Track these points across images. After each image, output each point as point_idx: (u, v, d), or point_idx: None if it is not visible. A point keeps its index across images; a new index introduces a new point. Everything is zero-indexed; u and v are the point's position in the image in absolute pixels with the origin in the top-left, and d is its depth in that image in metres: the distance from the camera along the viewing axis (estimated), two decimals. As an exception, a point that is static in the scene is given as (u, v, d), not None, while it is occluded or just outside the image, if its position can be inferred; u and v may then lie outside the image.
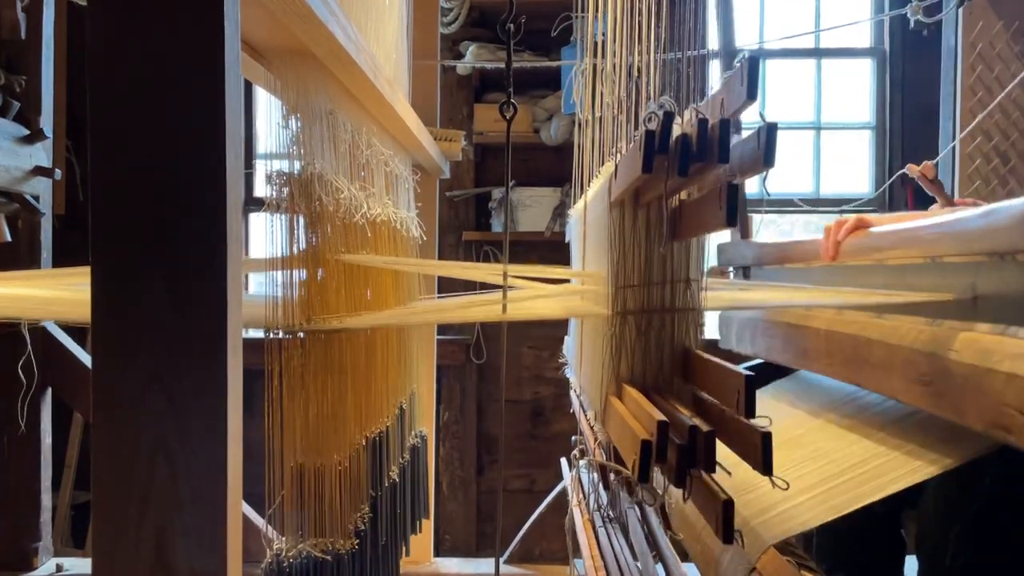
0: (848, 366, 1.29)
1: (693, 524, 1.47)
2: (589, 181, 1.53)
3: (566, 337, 2.15)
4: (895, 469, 1.14)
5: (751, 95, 0.72)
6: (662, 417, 0.77)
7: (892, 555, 1.59)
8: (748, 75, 0.72)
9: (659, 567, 1.37)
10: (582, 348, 1.46)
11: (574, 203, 1.88)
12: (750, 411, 0.76)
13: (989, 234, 0.97)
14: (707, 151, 0.77)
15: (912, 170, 2.01)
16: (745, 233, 2.31)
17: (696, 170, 0.80)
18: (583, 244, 1.49)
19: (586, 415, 1.36)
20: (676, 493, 0.85)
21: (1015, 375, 0.85)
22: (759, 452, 0.76)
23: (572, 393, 1.78)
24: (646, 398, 0.91)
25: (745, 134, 0.79)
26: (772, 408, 1.70)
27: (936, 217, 1.14)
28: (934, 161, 1.98)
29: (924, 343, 1.05)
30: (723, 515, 0.74)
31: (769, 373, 1.87)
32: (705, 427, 0.78)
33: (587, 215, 1.41)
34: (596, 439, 1.19)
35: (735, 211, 0.72)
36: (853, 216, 1.42)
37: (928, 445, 1.14)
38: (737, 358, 2.02)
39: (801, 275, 1.74)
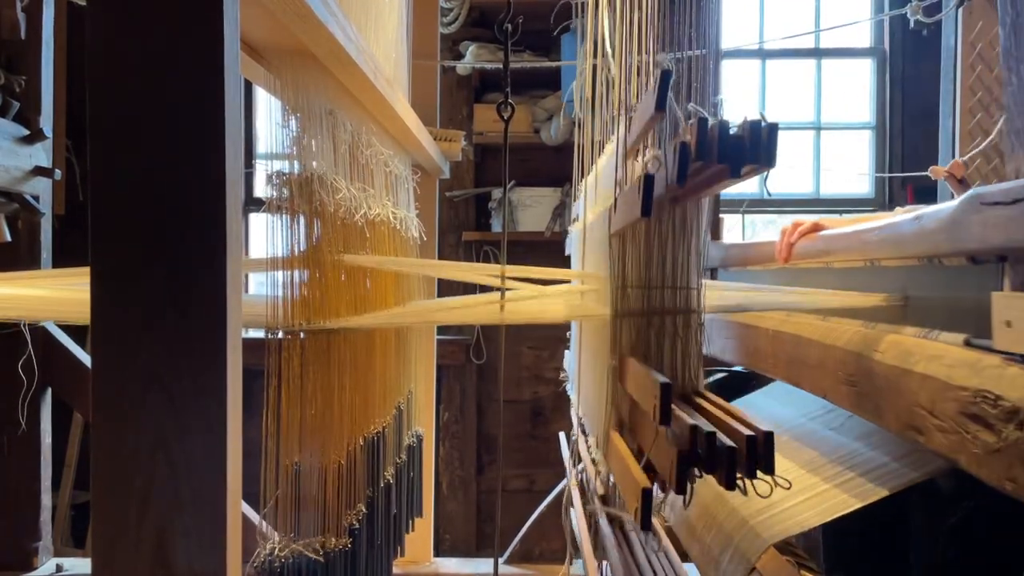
0: (789, 366, 1.30)
1: (693, 525, 1.48)
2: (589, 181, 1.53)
3: (566, 351, 2.15)
4: (881, 477, 1.15)
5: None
6: (647, 484, 0.79)
7: (894, 553, 1.59)
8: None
9: (659, 567, 1.37)
10: (581, 371, 1.47)
11: (574, 200, 1.89)
12: (665, 419, 0.78)
13: (919, 239, 0.97)
14: (706, 148, 0.78)
15: (937, 172, 1.99)
16: (716, 234, 2.31)
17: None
18: (582, 262, 1.50)
19: (586, 439, 1.36)
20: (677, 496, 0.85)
21: (928, 376, 0.86)
22: (763, 452, 0.76)
23: (572, 412, 1.78)
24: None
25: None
26: (769, 407, 1.71)
27: (876, 221, 1.14)
28: (963, 159, 1.97)
29: (855, 344, 1.06)
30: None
31: (742, 383, 1.88)
32: (709, 428, 0.78)
33: (587, 235, 1.42)
34: (598, 472, 1.21)
35: (650, 202, 0.79)
36: (810, 219, 1.43)
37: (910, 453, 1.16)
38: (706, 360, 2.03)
39: (759, 277, 1.75)
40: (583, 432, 1.50)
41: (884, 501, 1.13)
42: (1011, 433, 0.70)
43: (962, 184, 1.97)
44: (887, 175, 3.53)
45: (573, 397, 1.75)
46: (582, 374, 1.49)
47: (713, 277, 2.06)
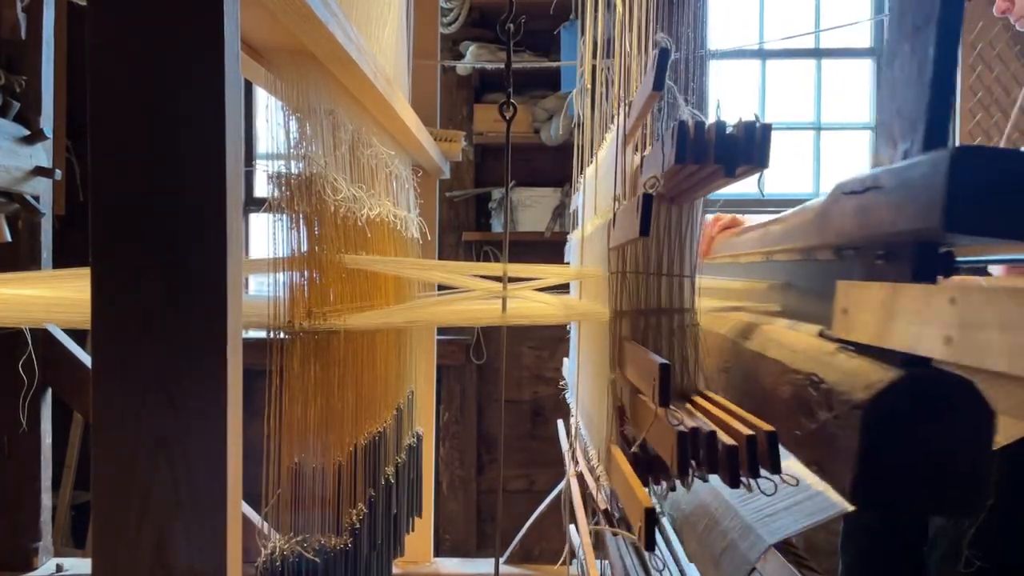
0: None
1: (694, 525, 1.48)
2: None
3: (565, 359, 2.14)
4: None
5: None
6: (649, 504, 0.79)
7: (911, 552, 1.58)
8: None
9: (659, 566, 1.37)
10: (580, 383, 1.47)
11: (573, 193, 1.89)
12: (664, 400, 0.78)
13: (797, 232, 0.96)
14: (702, 148, 0.78)
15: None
16: None
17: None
18: (581, 256, 1.50)
19: (587, 454, 1.37)
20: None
21: (777, 361, 0.86)
22: (765, 450, 0.76)
23: (572, 419, 1.78)
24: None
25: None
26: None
27: (781, 215, 1.14)
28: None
29: (736, 333, 1.07)
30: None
31: None
32: (710, 427, 0.78)
33: (585, 245, 1.42)
34: (600, 488, 1.21)
35: (648, 222, 0.79)
36: (729, 215, 1.43)
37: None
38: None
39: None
40: (582, 438, 1.50)
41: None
42: (824, 416, 0.71)
43: None
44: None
45: (572, 405, 1.75)
46: (581, 384, 1.49)
47: None
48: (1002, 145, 2.22)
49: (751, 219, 1.41)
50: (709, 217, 1.46)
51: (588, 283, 1.39)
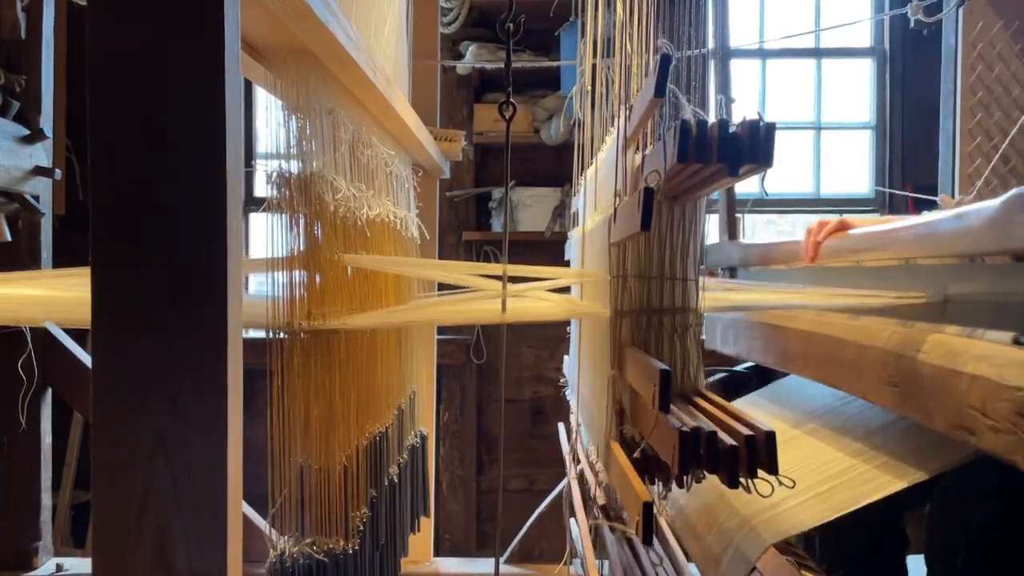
0: (822, 367, 1.30)
1: (694, 524, 1.48)
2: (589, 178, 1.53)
3: (565, 357, 2.15)
4: (883, 475, 1.15)
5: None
6: (647, 498, 0.79)
7: (895, 553, 1.59)
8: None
9: (659, 566, 1.37)
10: (581, 378, 1.47)
11: (573, 194, 1.89)
12: (664, 405, 0.78)
13: (960, 237, 0.97)
14: (705, 147, 0.78)
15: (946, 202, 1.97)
16: (733, 234, 2.31)
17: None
18: (582, 267, 1.50)
19: (586, 450, 1.36)
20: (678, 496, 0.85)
21: (978, 376, 0.85)
22: (764, 451, 0.76)
23: (571, 417, 1.78)
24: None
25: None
26: (768, 409, 1.71)
27: (910, 219, 1.14)
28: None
29: (894, 344, 1.06)
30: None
31: (771, 373, 1.87)
32: (711, 427, 0.78)
33: (586, 241, 1.42)
34: (600, 483, 1.21)
35: (649, 217, 0.79)
36: (836, 218, 1.43)
37: (913, 452, 1.15)
38: (723, 358, 2.03)
39: (783, 276, 1.75)
40: (581, 439, 1.50)
41: (885, 499, 1.13)
42: None
43: None
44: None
45: (572, 403, 1.75)
46: (581, 381, 1.49)
47: (732, 276, 2.07)
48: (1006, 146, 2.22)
49: (858, 223, 1.40)
50: (814, 221, 1.46)
51: (589, 281, 1.39)
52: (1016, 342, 0.86)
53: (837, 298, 1.25)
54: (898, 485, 1.11)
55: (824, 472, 1.26)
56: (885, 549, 1.57)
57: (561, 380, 2.13)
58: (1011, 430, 0.79)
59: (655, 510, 0.79)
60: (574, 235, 1.89)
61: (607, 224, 1.11)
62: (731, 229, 2.31)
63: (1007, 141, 2.10)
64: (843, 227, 1.38)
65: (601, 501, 1.31)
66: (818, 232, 1.41)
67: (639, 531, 0.78)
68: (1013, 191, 0.84)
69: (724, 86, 2.19)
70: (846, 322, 1.24)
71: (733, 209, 2.32)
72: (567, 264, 2.07)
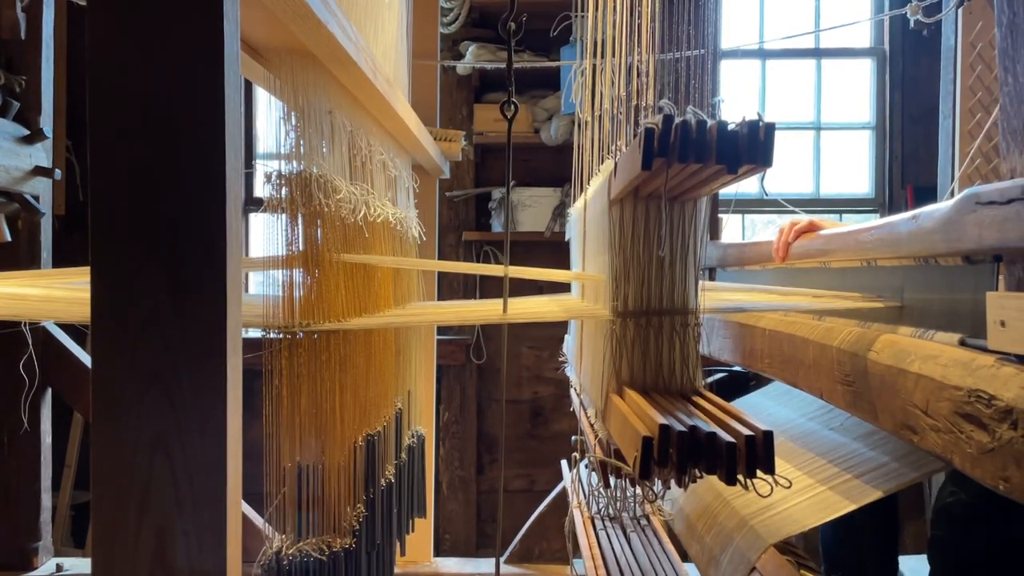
0: (786, 366, 1.30)
1: (693, 524, 1.48)
2: (589, 181, 1.53)
3: (566, 336, 2.15)
4: (878, 477, 1.15)
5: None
6: (663, 420, 0.77)
7: (886, 548, 1.59)
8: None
9: (659, 567, 1.37)
10: (582, 347, 1.46)
11: (574, 202, 1.88)
12: (645, 472, 0.77)
13: (915, 238, 0.96)
14: (704, 147, 0.77)
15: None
16: (714, 234, 2.31)
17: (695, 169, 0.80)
18: (583, 243, 1.49)
19: (586, 413, 1.36)
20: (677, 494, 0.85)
21: (923, 375, 0.85)
22: (762, 450, 0.76)
23: (572, 391, 1.78)
24: (646, 399, 0.91)
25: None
26: (769, 409, 1.71)
27: (873, 221, 1.14)
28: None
29: (850, 344, 1.06)
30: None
31: (756, 376, 1.88)
32: (710, 426, 0.78)
33: (587, 213, 1.42)
34: (596, 436, 1.20)
35: (651, 156, 0.76)
36: (806, 218, 1.43)
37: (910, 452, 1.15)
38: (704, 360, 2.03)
39: (757, 276, 1.75)
40: (583, 407, 1.49)
41: (884, 500, 1.13)
42: (1005, 433, 0.70)
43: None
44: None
45: (573, 377, 1.74)
46: (583, 349, 1.48)
47: (711, 277, 2.07)
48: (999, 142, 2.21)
49: (828, 224, 1.40)
50: (786, 222, 1.46)
51: (590, 262, 1.38)
52: (963, 343, 0.86)
53: (801, 299, 1.25)
54: (889, 489, 1.11)
55: (820, 474, 1.27)
56: (878, 535, 1.57)
57: (561, 358, 2.13)
58: (950, 429, 0.80)
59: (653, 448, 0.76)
60: (574, 211, 1.87)
61: (607, 182, 1.09)
62: (712, 229, 2.31)
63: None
64: (812, 228, 1.39)
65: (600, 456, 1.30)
66: (788, 232, 1.42)
67: (637, 467, 0.77)
68: (965, 191, 0.83)
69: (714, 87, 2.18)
70: (810, 322, 1.25)
71: (715, 209, 2.32)
72: (567, 261, 2.06)
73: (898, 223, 1.01)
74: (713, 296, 1.46)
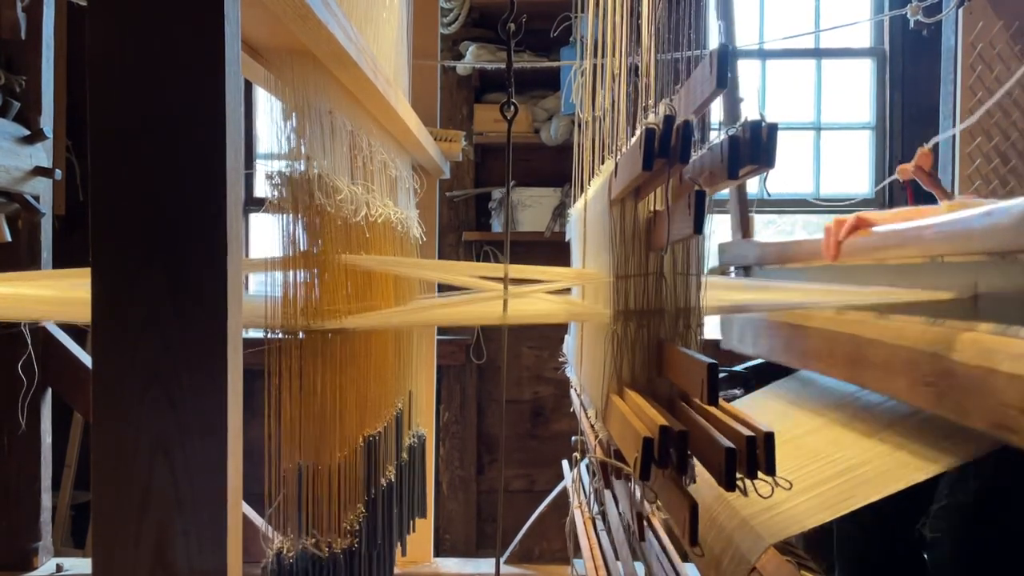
0: (849, 366, 1.29)
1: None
2: (589, 181, 1.53)
3: (566, 336, 2.15)
4: (897, 469, 1.14)
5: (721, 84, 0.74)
6: (664, 421, 0.77)
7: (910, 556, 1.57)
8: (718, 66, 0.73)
9: (660, 567, 1.37)
10: (583, 347, 1.46)
11: (574, 202, 1.88)
12: (713, 398, 0.77)
13: (990, 234, 0.97)
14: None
15: (904, 172, 1.96)
16: (746, 232, 2.31)
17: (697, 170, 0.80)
18: (583, 243, 1.49)
19: (587, 413, 1.36)
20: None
21: (1016, 375, 0.85)
22: (762, 452, 0.76)
23: (572, 392, 1.78)
24: (647, 400, 0.91)
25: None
26: (770, 408, 1.70)
27: (936, 217, 1.14)
28: (928, 146, 1.95)
29: (927, 343, 1.05)
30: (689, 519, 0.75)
31: (769, 373, 1.87)
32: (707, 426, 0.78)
33: (587, 213, 1.41)
34: (597, 437, 1.20)
35: (703, 219, 0.75)
36: (853, 215, 1.41)
37: (930, 444, 1.14)
38: (739, 358, 2.03)
39: (802, 275, 1.74)
40: (583, 407, 1.49)
41: (888, 498, 1.12)
42: None
43: (931, 177, 1.94)
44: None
45: (573, 378, 1.74)
46: (584, 349, 1.48)
47: (747, 275, 2.06)
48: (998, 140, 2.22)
49: (876, 217, 1.39)
50: (831, 220, 1.45)
51: (590, 262, 1.38)
52: None
53: (865, 296, 1.24)
54: (902, 484, 1.10)
55: (827, 471, 1.26)
56: (899, 552, 1.55)
57: (561, 358, 2.13)
58: None
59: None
60: (574, 212, 1.87)
61: (607, 184, 1.09)
62: (744, 228, 2.30)
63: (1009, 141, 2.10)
64: (861, 224, 1.37)
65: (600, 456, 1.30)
66: (838, 230, 1.41)
67: (637, 468, 0.77)
68: None
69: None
70: (871, 321, 1.24)
71: (746, 208, 2.31)
72: (568, 259, 2.06)
73: (970, 219, 1.00)
74: (760, 296, 1.45)
